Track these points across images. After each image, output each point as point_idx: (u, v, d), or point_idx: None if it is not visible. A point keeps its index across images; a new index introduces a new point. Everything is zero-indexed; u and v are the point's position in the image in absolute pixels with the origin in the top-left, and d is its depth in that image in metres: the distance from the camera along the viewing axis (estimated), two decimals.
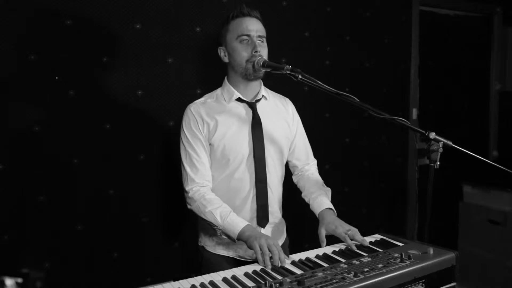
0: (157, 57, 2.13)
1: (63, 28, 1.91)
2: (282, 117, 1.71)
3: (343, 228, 1.50)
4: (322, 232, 1.52)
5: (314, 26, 2.62)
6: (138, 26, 2.07)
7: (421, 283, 1.21)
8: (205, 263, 1.67)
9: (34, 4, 1.85)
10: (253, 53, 1.53)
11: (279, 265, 1.30)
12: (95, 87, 2.00)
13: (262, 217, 1.61)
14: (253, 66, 1.53)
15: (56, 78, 1.91)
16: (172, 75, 2.17)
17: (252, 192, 1.60)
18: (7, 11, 1.80)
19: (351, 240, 1.46)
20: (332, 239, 1.52)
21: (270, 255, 1.34)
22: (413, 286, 1.19)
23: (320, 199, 1.65)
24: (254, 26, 1.55)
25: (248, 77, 1.58)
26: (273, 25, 2.44)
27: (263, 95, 1.66)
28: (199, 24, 2.21)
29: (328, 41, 2.69)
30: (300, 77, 1.41)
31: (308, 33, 2.60)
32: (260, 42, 1.57)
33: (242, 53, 1.55)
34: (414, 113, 3.19)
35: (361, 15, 2.84)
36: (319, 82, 1.41)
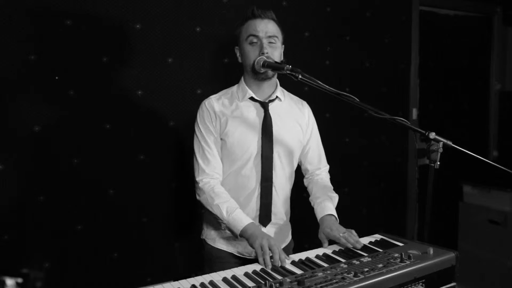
0: (157, 57, 2.13)
1: (63, 28, 1.91)
2: (295, 120, 1.71)
3: (338, 231, 1.50)
4: (322, 236, 1.54)
5: (314, 26, 2.62)
6: (138, 26, 2.07)
7: (421, 283, 1.21)
8: (207, 256, 1.71)
9: (34, 4, 1.85)
10: (260, 54, 1.55)
11: (279, 265, 1.31)
12: (95, 87, 2.00)
13: (264, 216, 1.62)
14: (253, 66, 1.54)
15: (56, 78, 1.91)
16: (172, 75, 2.17)
17: (258, 190, 1.61)
18: (7, 11, 1.80)
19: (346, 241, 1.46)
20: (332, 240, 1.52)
21: (271, 254, 1.34)
22: (413, 286, 1.19)
23: (323, 204, 1.64)
24: (263, 27, 1.57)
25: (257, 78, 1.60)
26: None
27: (277, 96, 1.67)
28: (199, 24, 2.21)
29: (328, 41, 2.69)
30: (300, 77, 1.41)
31: (308, 33, 2.60)
32: (271, 43, 1.58)
33: (250, 54, 1.58)
34: (414, 113, 3.19)
35: (361, 15, 2.84)
36: (319, 82, 1.41)
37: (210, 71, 2.23)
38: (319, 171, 1.80)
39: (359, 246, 1.44)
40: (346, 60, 2.77)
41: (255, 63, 1.53)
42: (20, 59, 1.84)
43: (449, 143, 1.38)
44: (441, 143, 1.37)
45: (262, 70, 1.54)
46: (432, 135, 1.37)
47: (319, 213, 1.64)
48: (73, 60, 1.94)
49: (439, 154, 1.37)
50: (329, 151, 2.67)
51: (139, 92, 2.10)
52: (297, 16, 2.55)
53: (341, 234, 1.48)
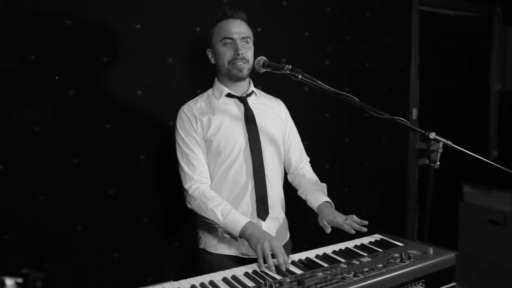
0: (157, 57, 2.13)
1: (63, 28, 1.91)
2: (274, 112, 1.74)
3: (341, 218, 1.54)
4: (325, 223, 1.56)
5: (314, 26, 2.62)
6: (138, 26, 2.07)
7: (421, 283, 1.21)
8: (207, 267, 1.62)
9: (34, 4, 1.85)
10: (235, 55, 1.57)
11: (283, 268, 1.29)
12: (95, 87, 2.00)
13: (261, 209, 1.61)
14: (252, 65, 1.56)
15: (56, 78, 1.91)
16: (172, 75, 2.17)
17: (251, 184, 1.61)
18: (7, 11, 1.80)
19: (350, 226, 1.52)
20: (332, 238, 1.52)
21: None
22: (413, 286, 1.19)
23: (317, 194, 1.68)
24: (237, 29, 1.58)
25: (232, 79, 1.62)
26: (273, 25, 2.44)
27: (252, 91, 1.70)
28: (199, 24, 2.21)
29: (328, 41, 2.69)
30: (300, 77, 1.41)
31: (308, 33, 2.60)
32: (244, 43, 1.59)
33: (225, 56, 1.59)
34: (414, 113, 3.19)
35: (361, 15, 2.84)
36: (319, 82, 1.42)
37: (210, 71, 2.23)
38: (302, 164, 1.83)
39: (364, 229, 1.51)
40: (346, 60, 2.77)
41: (255, 62, 1.55)
42: (20, 59, 1.84)
43: (449, 143, 1.38)
44: (441, 143, 1.37)
45: (262, 70, 1.55)
46: (432, 135, 1.37)
47: (314, 203, 1.66)
48: (73, 60, 1.94)
49: (439, 154, 1.37)
50: (329, 151, 2.69)
51: (139, 92, 2.10)
52: (297, 16, 2.55)
53: (344, 221, 1.51)
